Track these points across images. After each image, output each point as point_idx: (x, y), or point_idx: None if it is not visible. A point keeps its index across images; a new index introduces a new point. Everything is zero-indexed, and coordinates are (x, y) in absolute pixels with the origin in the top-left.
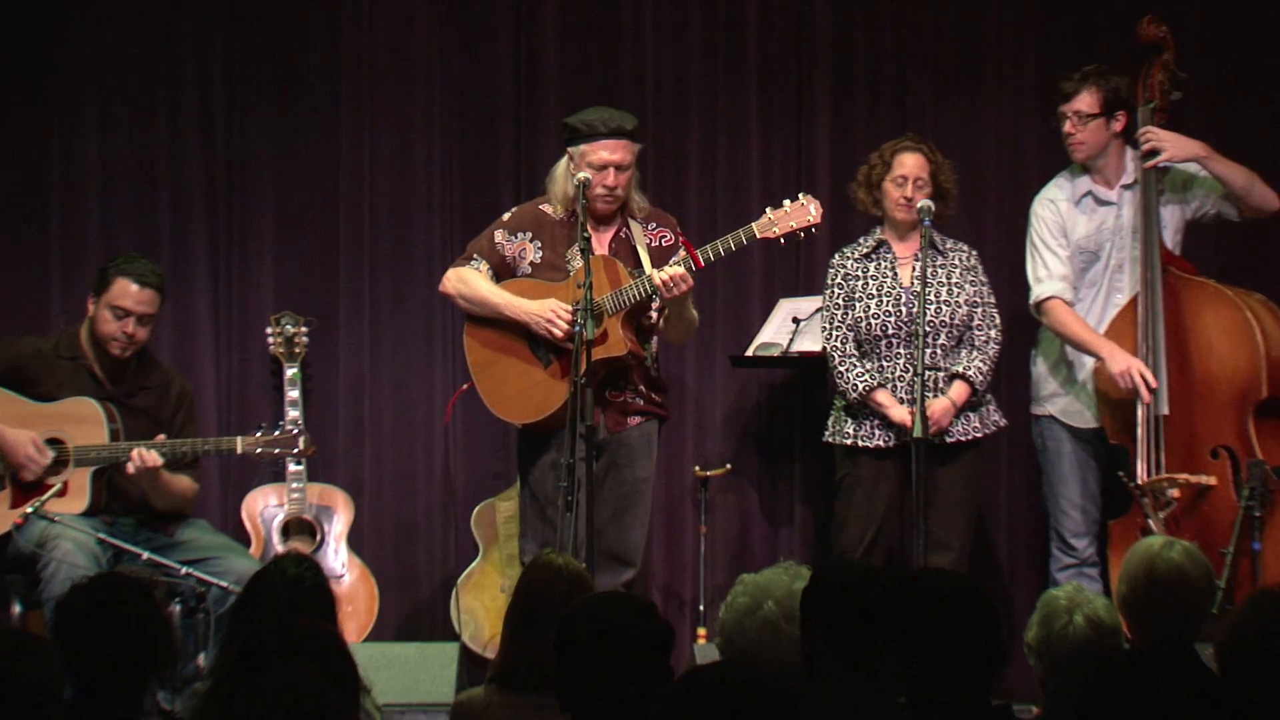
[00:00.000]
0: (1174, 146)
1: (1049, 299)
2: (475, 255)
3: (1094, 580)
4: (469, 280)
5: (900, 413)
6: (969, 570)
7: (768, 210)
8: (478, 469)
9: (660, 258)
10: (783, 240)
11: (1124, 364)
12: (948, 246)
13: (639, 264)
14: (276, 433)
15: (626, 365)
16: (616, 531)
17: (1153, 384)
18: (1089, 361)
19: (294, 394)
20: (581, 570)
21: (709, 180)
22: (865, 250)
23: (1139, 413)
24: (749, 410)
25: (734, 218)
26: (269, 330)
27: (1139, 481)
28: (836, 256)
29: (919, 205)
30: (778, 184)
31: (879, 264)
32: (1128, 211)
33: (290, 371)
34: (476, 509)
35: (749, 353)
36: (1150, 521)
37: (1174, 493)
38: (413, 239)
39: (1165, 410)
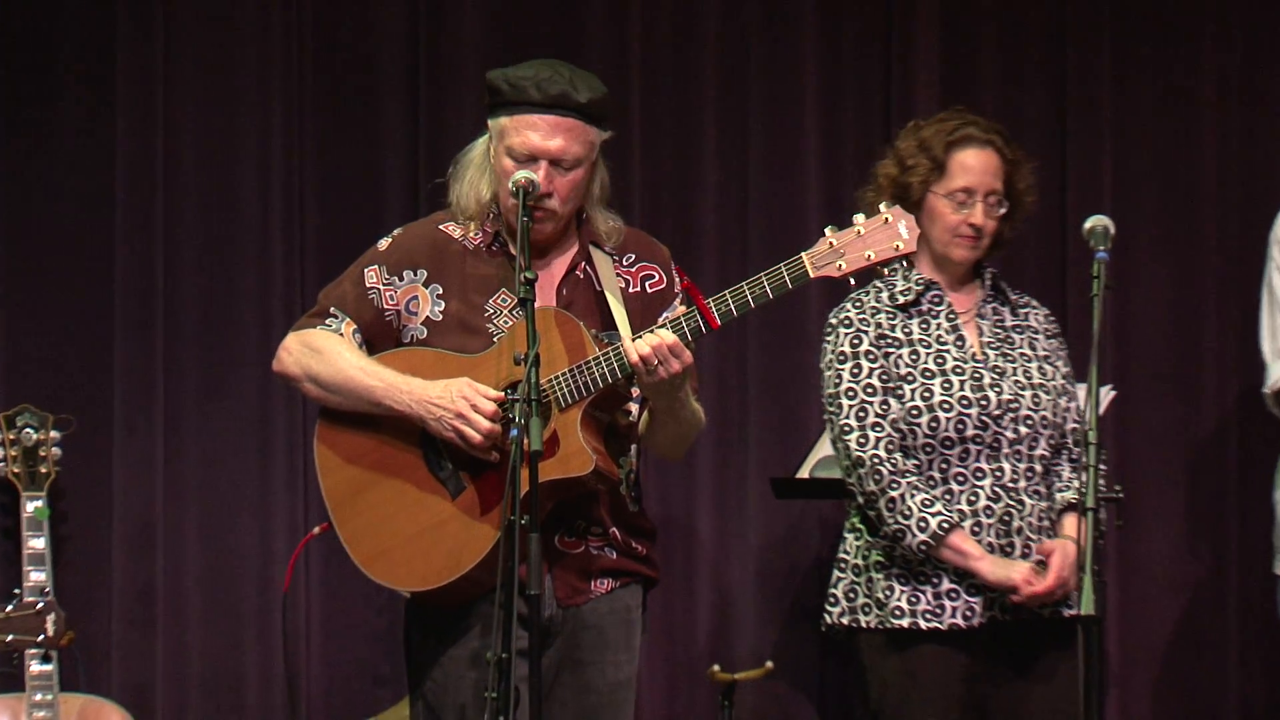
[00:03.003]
0: None
1: None
2: (333, 309)
3: None
4: (323, 350)
5: (1002, 568)
6: None
7: (828, 232)
8: (341, 669)
9: (643, 312)
10: (853, 281)
11: None
12: (1014, 298)
13: (610, 324)
14: (9, 608)
15: (590, 492)
16: None
17: None
18: None
19: (37, 543)
20: None
21: (734, 183)
22: (905, 297)
23: None
24: (802, 570)
25: (773, 243)
26: None
27: None
28: (851, 307)
29: (1090, 229)
30: (848, 188)
31: (931, 320)
32: None
33: (32, 506)
34: None
35: (802, 473)
36: None
37: None
38: (235, 282)
39: None
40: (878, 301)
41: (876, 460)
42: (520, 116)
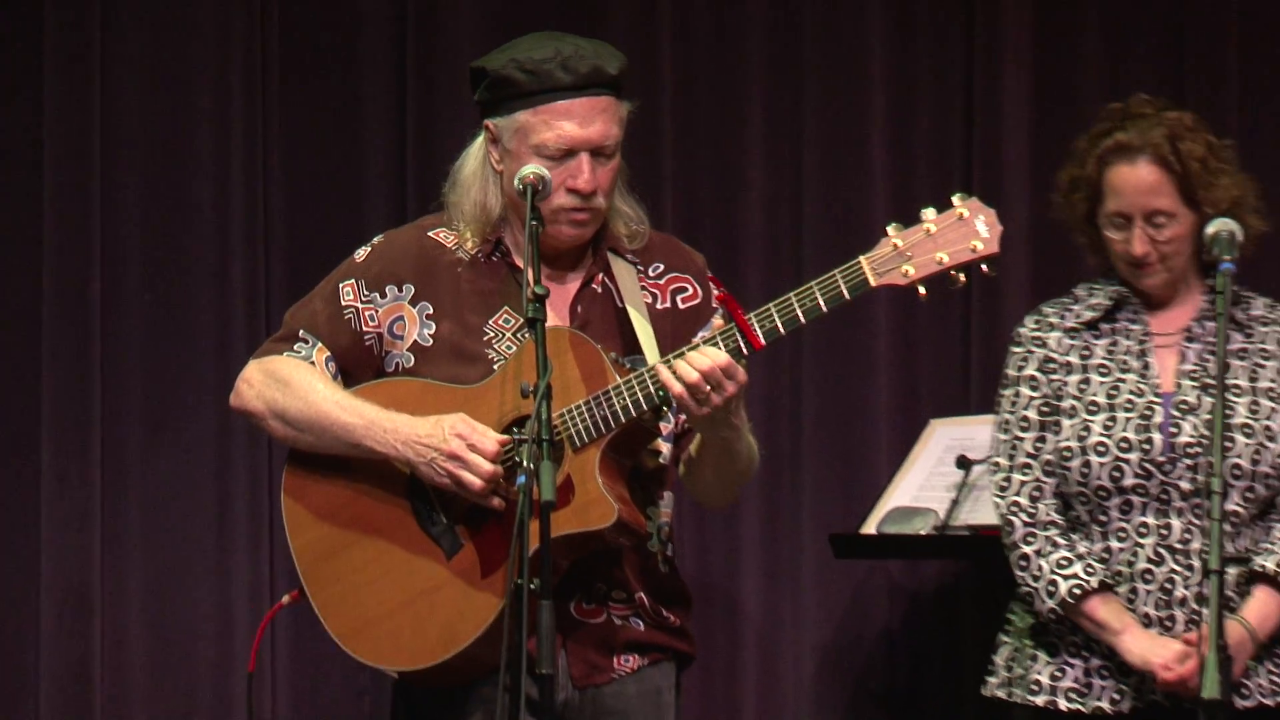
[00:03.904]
0: None
1: None
2: (303, 333)
3: None
4: (291, 381)
5: (1145, 645)
6: None
7: (891, 232)
8: None
9: (674, 333)
10: (922, 291)
11: None
12: (1252, 315)
13: (633, 345)
14: None
15: (612, 549)
16: None
17: None
18: None
19: None
20: None
21: (783, 177)
22: (1092, 313)
23: None
24: (866, 645)
25: (829, 247)
26: None
27: None
28: (1029, 321)
29: (1214, 235)
30: (920, 180)
31: (1115, 343)
32: None
33: None
34: None
35: (867, 528)
36: None
37: None
38: (186, 300)
39: None
40: (1062, 315)
41: (1015, 509)
42: (549, 106)
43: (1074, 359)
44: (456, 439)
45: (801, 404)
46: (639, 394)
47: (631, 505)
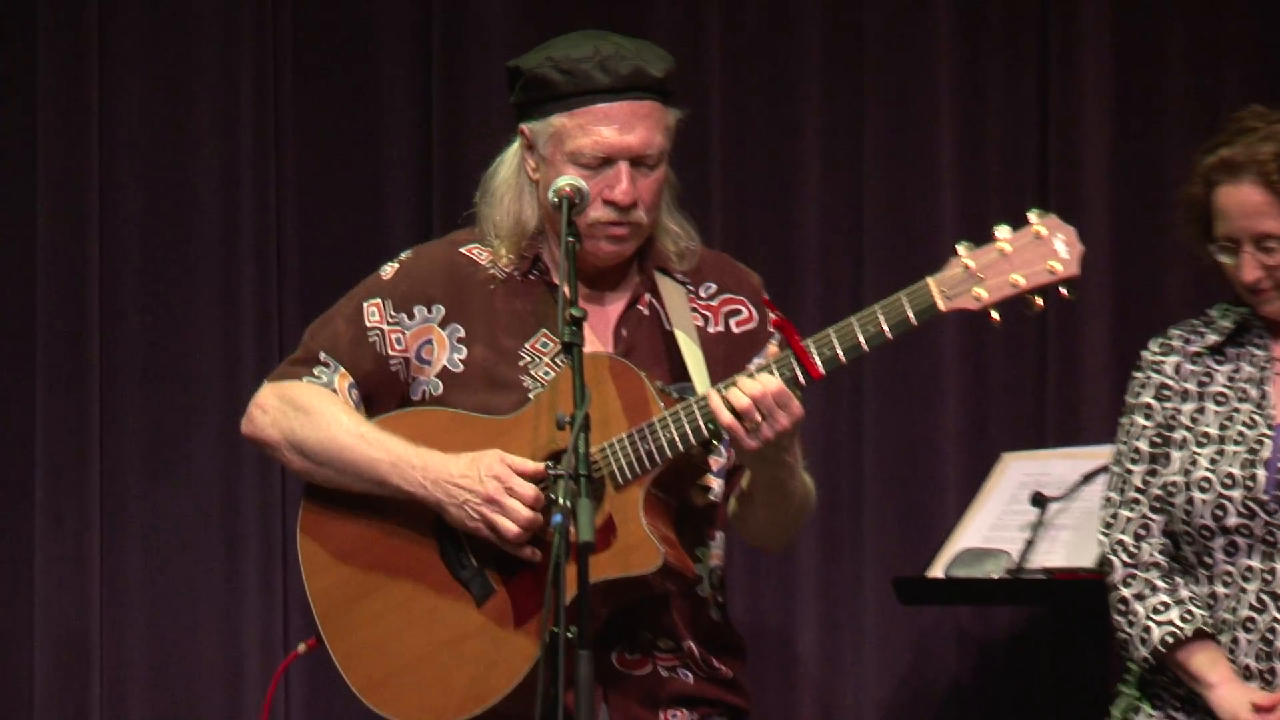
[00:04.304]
0: None
1: None
2: (323, 355)
3: None
4: (311, 409)
5: (1238, 701)
6: None
7: (961, 251)
8: None
9: (727, 359)
10: (996, 316)
11: None
12: None
13: (682, 373)
14: None
15: (658, 595)
16: None
17: None
18: None
19: None
20: None
21: (843, 189)
22: (1217, 337)
23: None
24: (935, 698)
25: (893, 267)
26: None
27: None
28: (1155, 345)
29: None
30: (992, 194)
31: (1237, 369)
32: None
33: None
34: None
35: (934, 572)
36: None
37: None
38: (191, 321)
39: None
40: (1188, 339)
41: (1118, 548)
42: (586, 109)
43: (1191, 386)
44: (494, 481)
45: (862, 437)
46: (687, 426)
47: (679, 547)
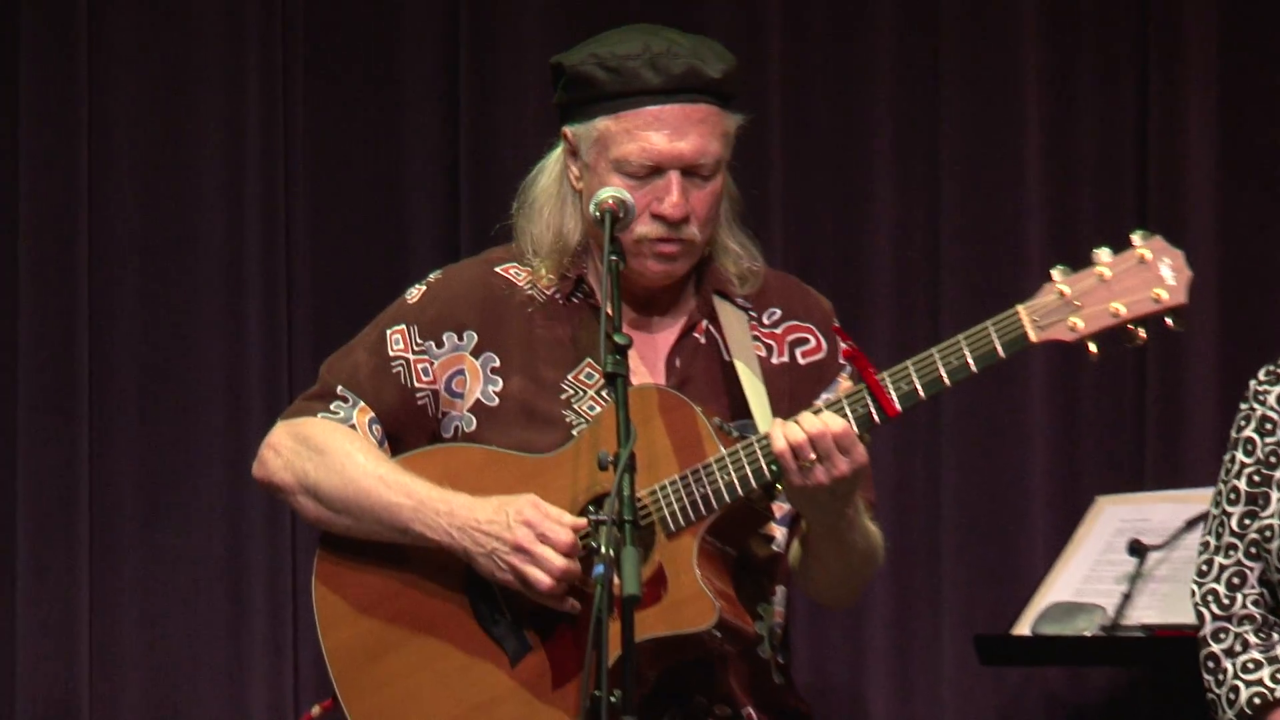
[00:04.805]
0: None
1: None
2: (341, 389)
3: None
4: (327, 449)
5: None
6: None
7: (1056, 276)
8: None
9: (793, 393)
10: (1094, 348)
11: None
12: None
13: (742, 408)
14: None
15: (714, 655)
16: None
17: None
18: None
19: None
20: None
21: (918, 205)
22: None
23: None
24: None
25: (976, 292)
26: None
27: None
28: (1262, 373)
29: None
30: (1086, 210)
31: None
32: None
33: None
34: None
35: (1019, 629)
36: None
37: None
38: (191, 352)
39: None
40: None
41: (1210, 599)
42: (633, 112)
43: None
44: (523, 527)
45: (940, 480)
46: (748, 468)
47: (736, 603)
